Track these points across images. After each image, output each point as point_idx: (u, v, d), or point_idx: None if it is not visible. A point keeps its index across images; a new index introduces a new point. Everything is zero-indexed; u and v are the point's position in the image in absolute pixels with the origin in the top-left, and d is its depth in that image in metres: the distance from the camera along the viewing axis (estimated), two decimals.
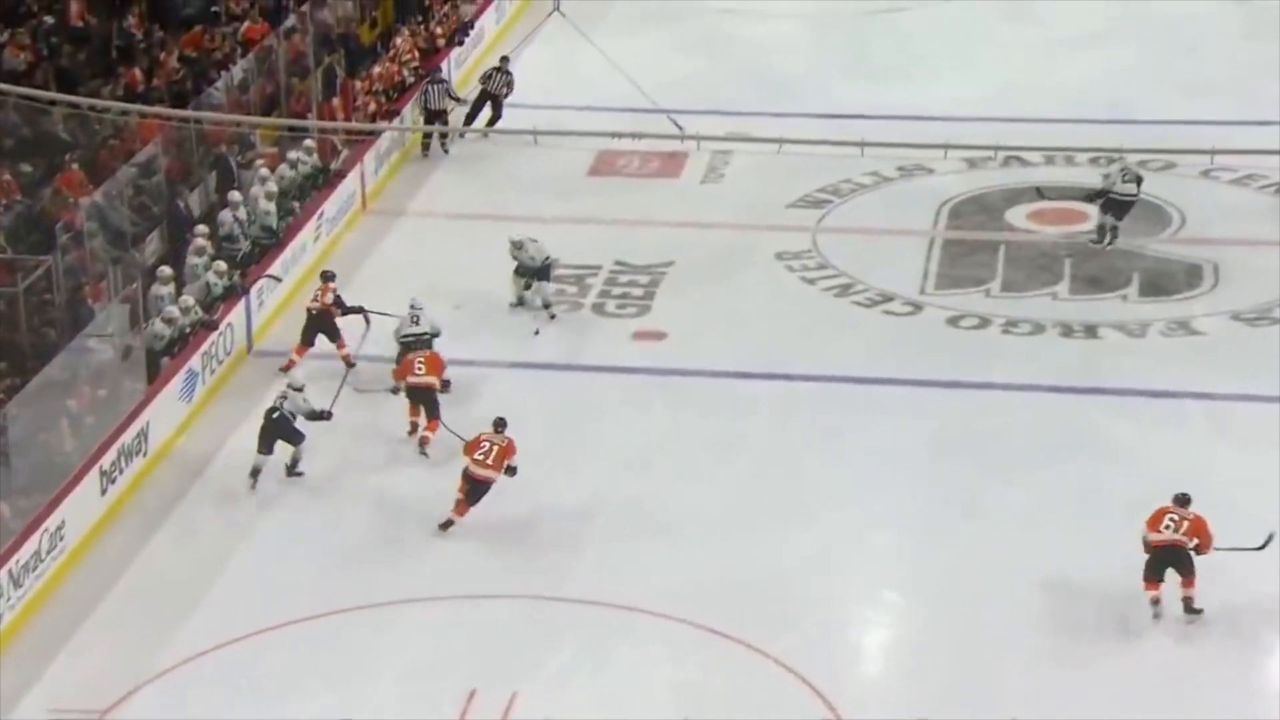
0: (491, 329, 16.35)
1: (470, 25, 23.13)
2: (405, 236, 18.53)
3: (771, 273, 17.54)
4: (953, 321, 16.46)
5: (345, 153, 19.08)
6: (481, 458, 13.27)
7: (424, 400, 14.43)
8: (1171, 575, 12.13)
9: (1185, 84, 21.44)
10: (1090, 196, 17.81)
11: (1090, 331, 16.13)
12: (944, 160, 19.37)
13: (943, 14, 24.83)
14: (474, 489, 13.26)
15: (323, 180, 18.40)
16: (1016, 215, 18.43)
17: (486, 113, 20.77)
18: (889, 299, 16.90)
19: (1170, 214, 18.20)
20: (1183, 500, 12.26)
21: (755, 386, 15.50)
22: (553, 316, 16.41)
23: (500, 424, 13.45)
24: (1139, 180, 17.51)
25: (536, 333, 16.20)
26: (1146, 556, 12.15)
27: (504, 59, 21.32)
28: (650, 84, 21.21)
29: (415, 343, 15.01)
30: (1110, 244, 17.51)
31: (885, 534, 13.43)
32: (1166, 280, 16.93)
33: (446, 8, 23.20)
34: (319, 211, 17.87)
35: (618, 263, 17.67)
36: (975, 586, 12.64)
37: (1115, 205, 17.40)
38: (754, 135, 19.58)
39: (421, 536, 13.17)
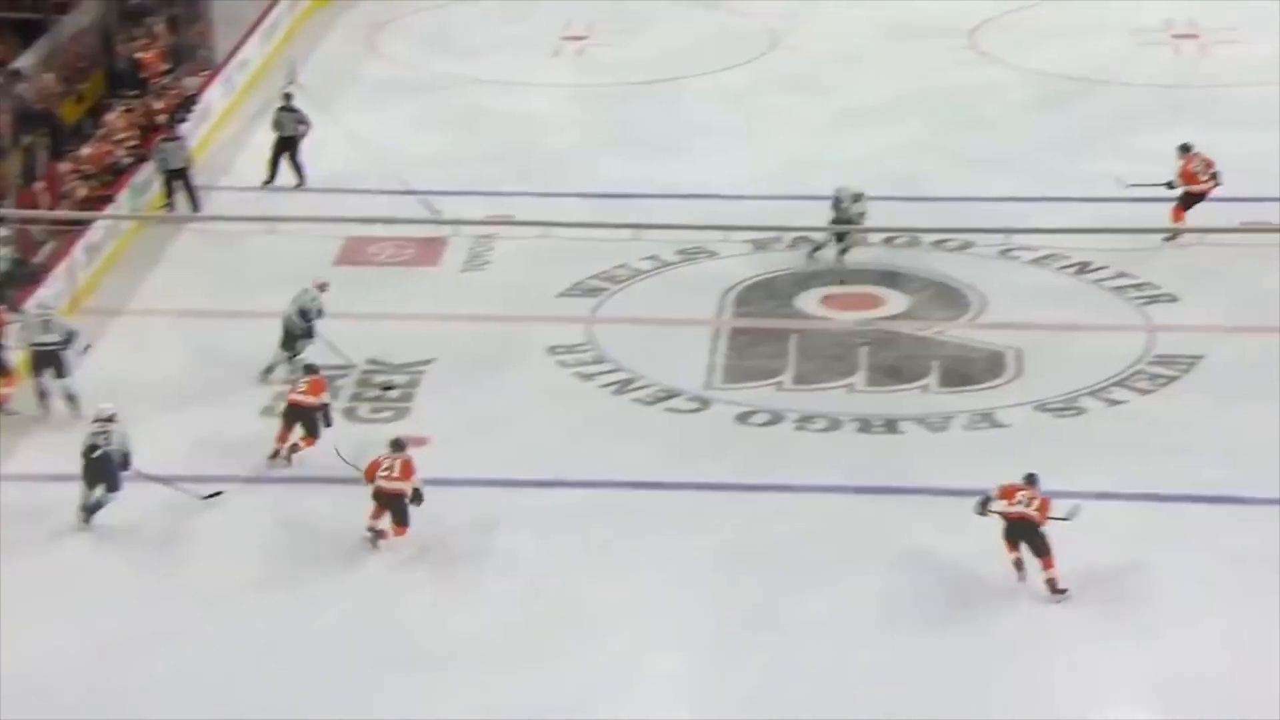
0: (223, 444, 16.14)
1: (195, 99, 22.96)
2: (122, 339, 18.20)
3: (542, 369, 17.66)
4: (742, 418, 16.81)
5: (50, 244, 18.69)
6: (387, 473, 14.52)
7: (301, 420, 15.72)
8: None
9: (978, 158, 22.45)
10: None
11: (890, 426, 16.65)
12: (727, 242, 19.87)
13: (720, 86, 25.59)
14: (387, 501, 14.49)
15: (23, 277, 17.98)
16: (808, 300, 18.96)
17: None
18: (673, 395, 17.18)
19: (969, 297, 18.97)
20: (1032, 479, 14.14)
21: (526, 496, 15.55)
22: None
23: (398, 444, 14.73)
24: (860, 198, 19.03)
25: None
26: (1003, 525, 14.00)
27: (287, 95, 21.44)
28: (403, 163, 21.37)
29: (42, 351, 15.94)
30: (814, 252, 19.27)
31: (673, 656, 13.56)
32: (968, 369, 17.57)
33: (167, 79, 23.02)
34: (20, 312, 17.46)
35: (371, 361, 17.62)
36: (775, 709, 12.86)
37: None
38: (519, 218, 19.84)
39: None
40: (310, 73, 21.52)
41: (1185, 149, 19.95)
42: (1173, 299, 18.58)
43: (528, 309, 18.70)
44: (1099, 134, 23.17)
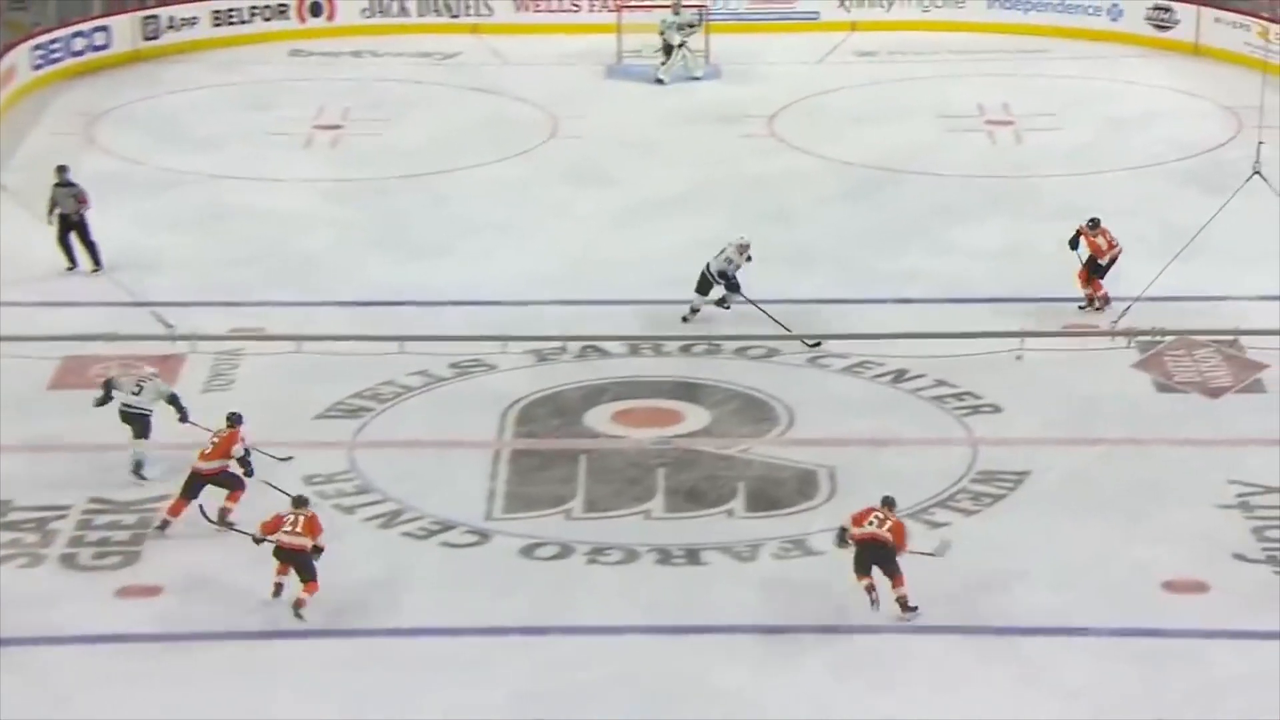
0: None
1: None
2: None
3: None
4: (527, 552, 16.56)
5: None
6: (290, 529, 15.40)
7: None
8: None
9: (783, 254, 22.70)
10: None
11: (692, 556, 16.52)
12: (506, 354, 19.72)
13: (495, 178, 25.62)
14: (289, 557, 15.32)
15: None
16: (599, 417, 18.85)
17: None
18: (448, 528, 16.89)
19: (776, 411, 19.04)
20: (889, 503, 15.46)
21: (283, 648, 15.10)
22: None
23: (301, 501, 15.73)
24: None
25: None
26: (852, 551, 15.16)
27: (61, 168, 21.55)
28: (129, 269, 20.87)
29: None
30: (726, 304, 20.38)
31: None
32: (776, 491, 17.53)
33: None
34: None
35: (94, 500, 17.06)
36: None
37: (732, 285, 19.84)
38: (269, 330, 19.46)
39: None
40: (14, 169, 20.98)
41: (1095, 224, 20.80)
42: (996, 409, 18.86)
43: (280, 433, 18.28)
44: (911, 227, 23.64)
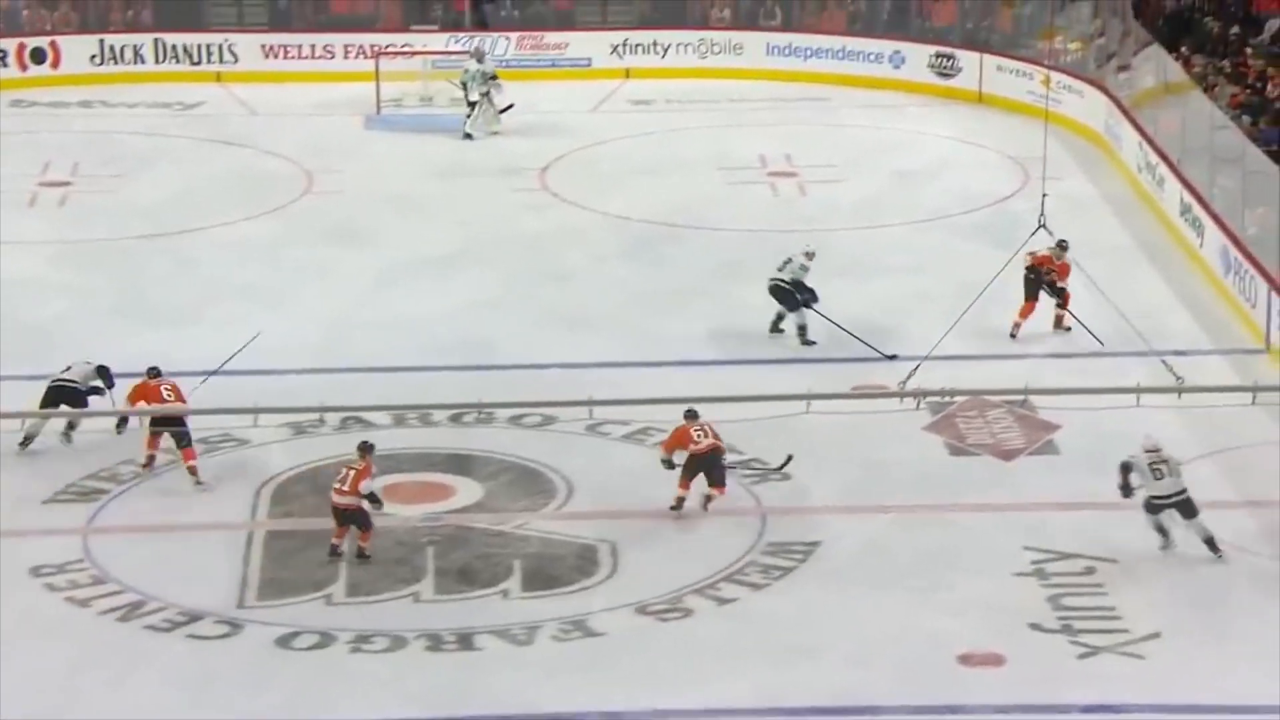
0: None
1: None
2: None
3: (27, 595, 16.76)
4: (284, 642, 16.23)
5: None
6: (339, 485, 17.37)
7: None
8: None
9: (560, 316, 22.71)
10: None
11: (464, 641, 16.33)
12: (259, 427, 19.38)
13: (244, 238, 25.30)
14: (341, 517, 17.34)
15: None
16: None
17: None
18: (195, 618, 16.49)
19: (553, 482, 18.94)
20: (693, 414, 18.06)
21: None
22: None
23: (366, 447, 17.61)
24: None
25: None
26: (680, 465, 17.85)
27: None
28: None
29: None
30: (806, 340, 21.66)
31: None
32: (554, 568, 17.43)
33: None
34: None
35: None
36: None
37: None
38: None
39: None
40: None
41: (1064, 246, 21.98)
42: (785, 476, 18.98)
43: (6, 521, 17.76)
44: (693, 285, 23.79)
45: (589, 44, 34.26)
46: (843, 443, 19.43)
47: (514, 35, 34.05)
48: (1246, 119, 25.88)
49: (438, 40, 33.67)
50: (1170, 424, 18.77)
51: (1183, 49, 29.06)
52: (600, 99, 32.54)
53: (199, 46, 33.27)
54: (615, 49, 34.12)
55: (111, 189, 26.96)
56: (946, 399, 19.60)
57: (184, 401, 18.77)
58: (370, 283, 23.77)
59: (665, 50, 34.11)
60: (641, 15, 35.08)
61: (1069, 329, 22.02)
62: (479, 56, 30.82)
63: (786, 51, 33.95)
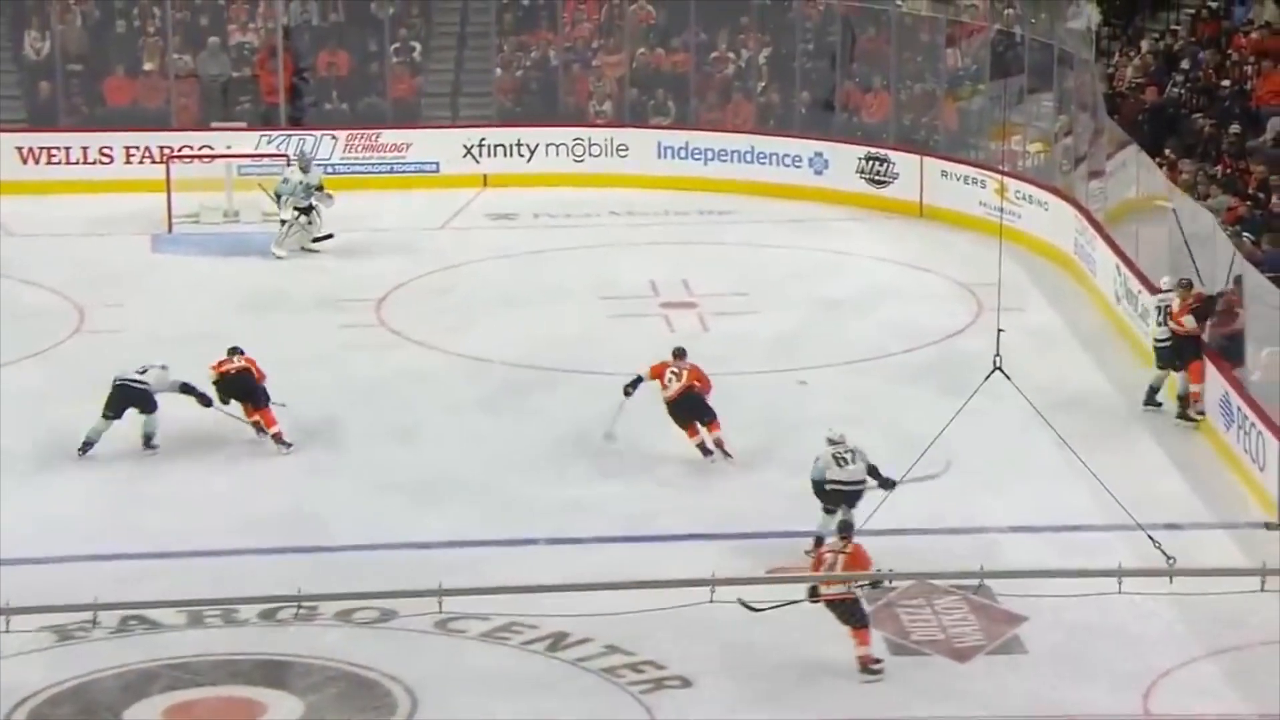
0: None
1: None
2: None
3: None
4: None
5: None
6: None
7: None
8: None
9: (404, 483, 22.55)
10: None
11: None
12: (11, 633, 18.73)
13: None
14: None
15: None
16: (145, 713, 18.38)
17: None
18: None
19: (393, 694, 18.75)
20: (680, 353, 22.92)
21: None
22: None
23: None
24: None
25: None
26: (672, 414, 22.53)
27: None
28: None
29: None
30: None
31: None
32: None
33: None
34: None
35: None
36: None
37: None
38: None
39: None
40: None
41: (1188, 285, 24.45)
42: (685, 683, 18.95)
43: None
44: (571, 443, 23.78)
45: (436, 144, 34.49)
46: (755, 640, 19.39)
47: (342, 134, 34.20)
48: (1246, 237, 26.14)
49: (245, 140, 33.76)
50: (1161, 613, 18.91)
51: (1168, 151, 29.54)
52: (451, 213, 32.68)
53: None
54: (469, 150, 34.37)
55: None
56: (886, 583, 19.64)
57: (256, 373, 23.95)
58: (161, 446, 23.59)
59: (532, 152, 34.41)
60: (501, 109, 35.39)
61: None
62: (304, 165, 30.87)
63: (682, 153, 34.32)
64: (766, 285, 29.43)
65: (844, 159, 33.52)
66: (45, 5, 35.22)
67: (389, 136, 34.36)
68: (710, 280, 29.45)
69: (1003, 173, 31.47)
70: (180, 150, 32.77)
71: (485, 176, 34.19)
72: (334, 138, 34.10)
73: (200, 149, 33.16)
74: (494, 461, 23.40)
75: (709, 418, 22.74)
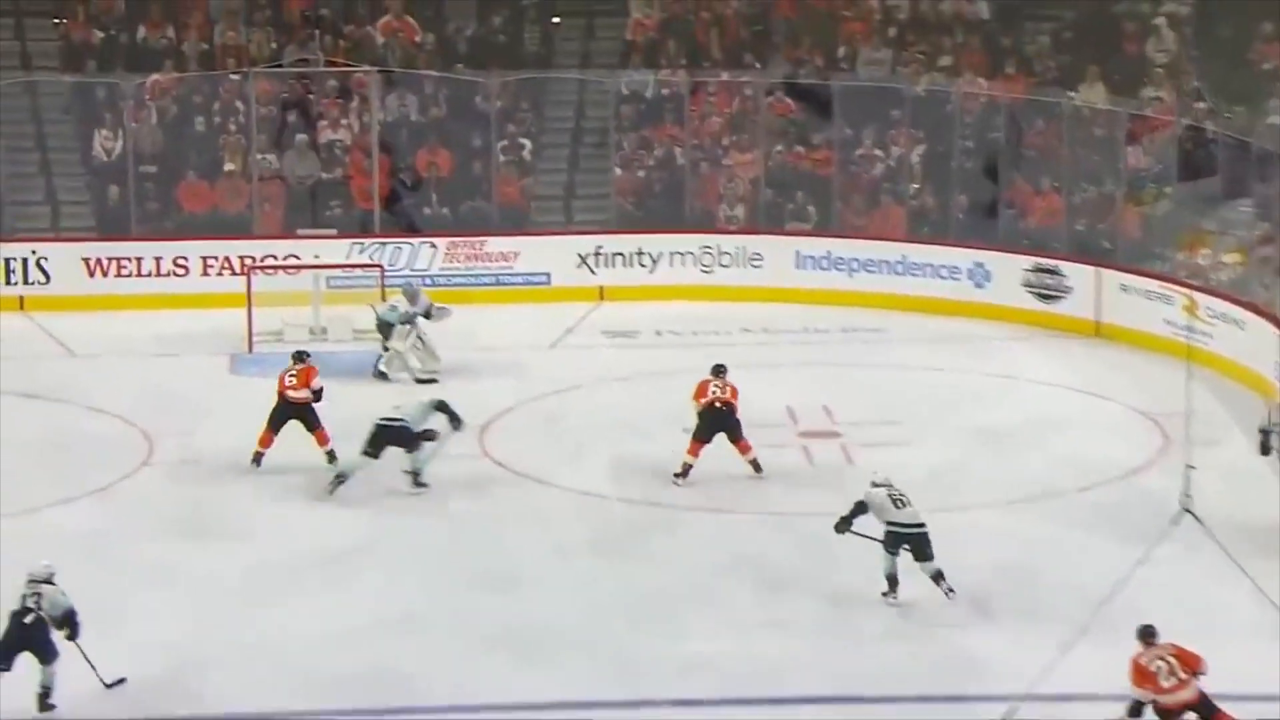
0: None
1: None
2: None
3: None
4: None
5: None
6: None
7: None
8: None
9: (506, 637, 22.36)
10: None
11: None
12: None
13: (57, 530, 25.22)
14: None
15: None
16: None
17: None
18: None
19: None
20: (719, 370, 26.29)
21: None
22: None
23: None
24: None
25: None
26: (698, 422, 25.88)
27: None
28: None
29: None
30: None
31: None
32: None
33: None
34: None
35: None
36: None
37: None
38: None
39: None
40: None
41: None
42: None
43: None
44: (694, 592, 23.58)
45: (548, 253, 34.59)
46: None
47: (443, 242, 34.27)
48: None
49: (335, 250, 33.89)
50: None
51: None
52: (563, 330, 32.67)
53: None
54: (584, 260, 34.42)
55: None
56: None
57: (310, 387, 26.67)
58: (232, 593, 23.51)
59: (654, 262, 34.42)
60: (620, 214, 35.43)
61: None
62: (411, 297, 30.86)
63: (824, 264, 34.33)
64: (919, 413, 29.30)
65: (1008, 270, 33.40)
66: (118, 101, 35.51)
67: (495, 244, 34.49)
68: (855, 407, 29.34)
69: (1192, 287, 31.14)
70: (263, 261, 32.93)
71: (602, 289, 34.23)
72: (434, 246, 34.27)
73: (285, 259, 33.35)
74: (607, 611, 23.17)
75: (737, 436, 26.17)
